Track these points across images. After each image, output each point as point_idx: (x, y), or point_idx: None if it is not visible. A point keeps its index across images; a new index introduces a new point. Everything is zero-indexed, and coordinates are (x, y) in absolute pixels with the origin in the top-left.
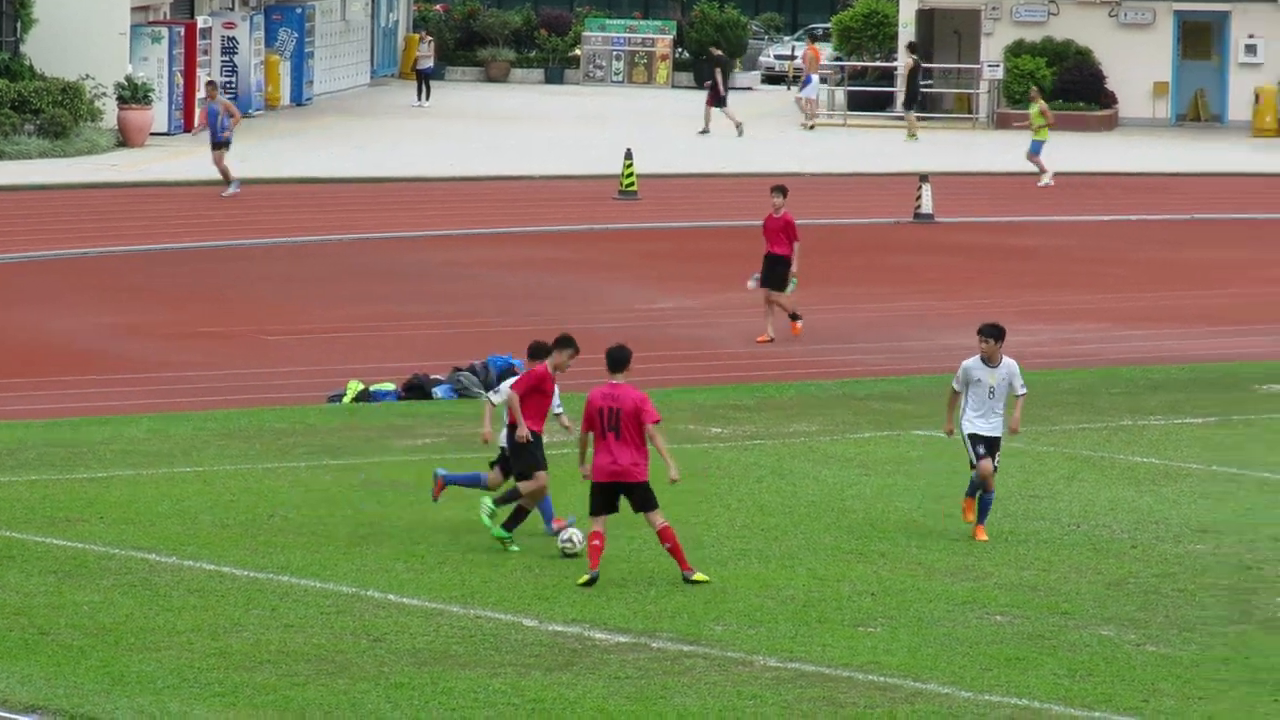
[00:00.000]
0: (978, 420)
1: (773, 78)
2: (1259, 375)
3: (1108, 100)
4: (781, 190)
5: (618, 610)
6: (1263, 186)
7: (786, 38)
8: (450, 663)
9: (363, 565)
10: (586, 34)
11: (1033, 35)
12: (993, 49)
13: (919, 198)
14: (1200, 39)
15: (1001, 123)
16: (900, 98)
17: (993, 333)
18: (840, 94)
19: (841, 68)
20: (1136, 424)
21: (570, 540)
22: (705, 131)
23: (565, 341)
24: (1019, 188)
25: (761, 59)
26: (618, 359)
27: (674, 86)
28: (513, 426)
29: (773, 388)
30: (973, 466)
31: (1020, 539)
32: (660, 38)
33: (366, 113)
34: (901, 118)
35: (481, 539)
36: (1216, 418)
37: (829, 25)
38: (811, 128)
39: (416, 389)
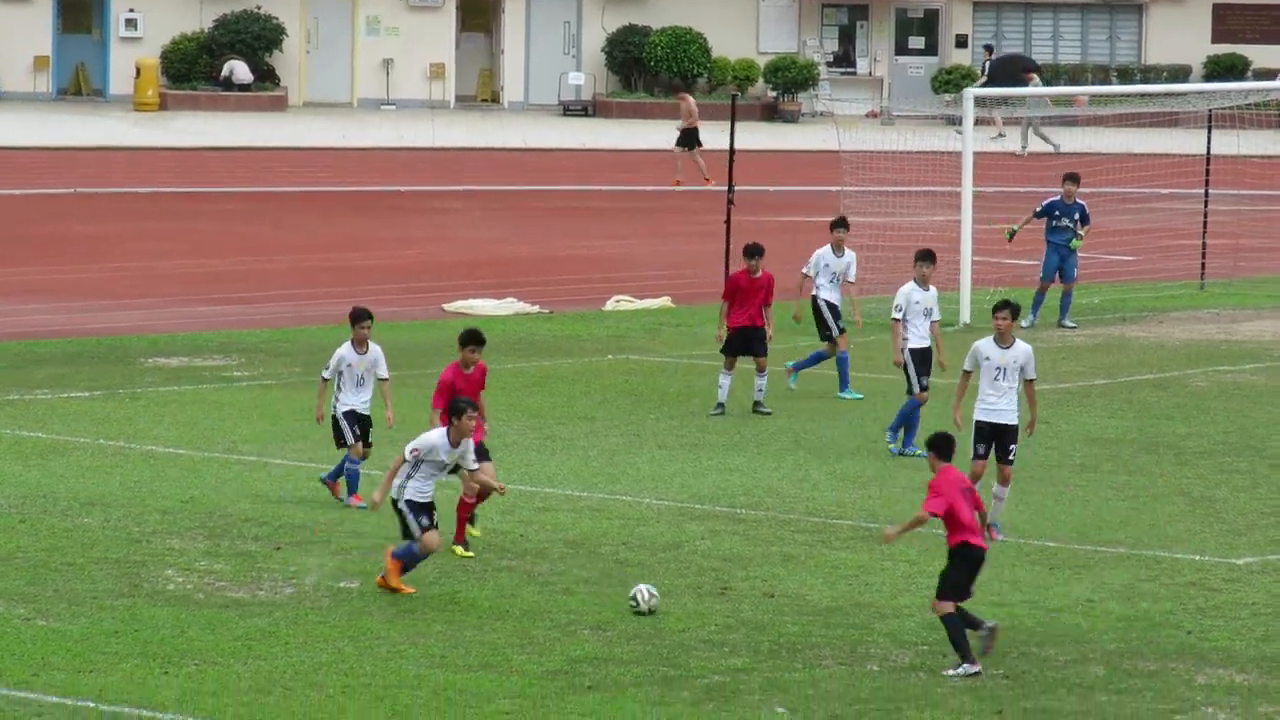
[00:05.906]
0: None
1: None
2: (144, 348)
3: None
4: None
5: None
6: (145, 159)
7: None
8: None
9: None
10: None
11: None
12: None
13: None
14: (81, 13)
15: None
16: None
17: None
18: None
19: None
20: (24, 398)
21: None
22: None
23: None
24: None
25: None
26: None
27: None
28: None
29: None
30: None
31: None
32: None
33: None
34: None
35: None
36: (103, 391)
37: None
38: None
39: None
